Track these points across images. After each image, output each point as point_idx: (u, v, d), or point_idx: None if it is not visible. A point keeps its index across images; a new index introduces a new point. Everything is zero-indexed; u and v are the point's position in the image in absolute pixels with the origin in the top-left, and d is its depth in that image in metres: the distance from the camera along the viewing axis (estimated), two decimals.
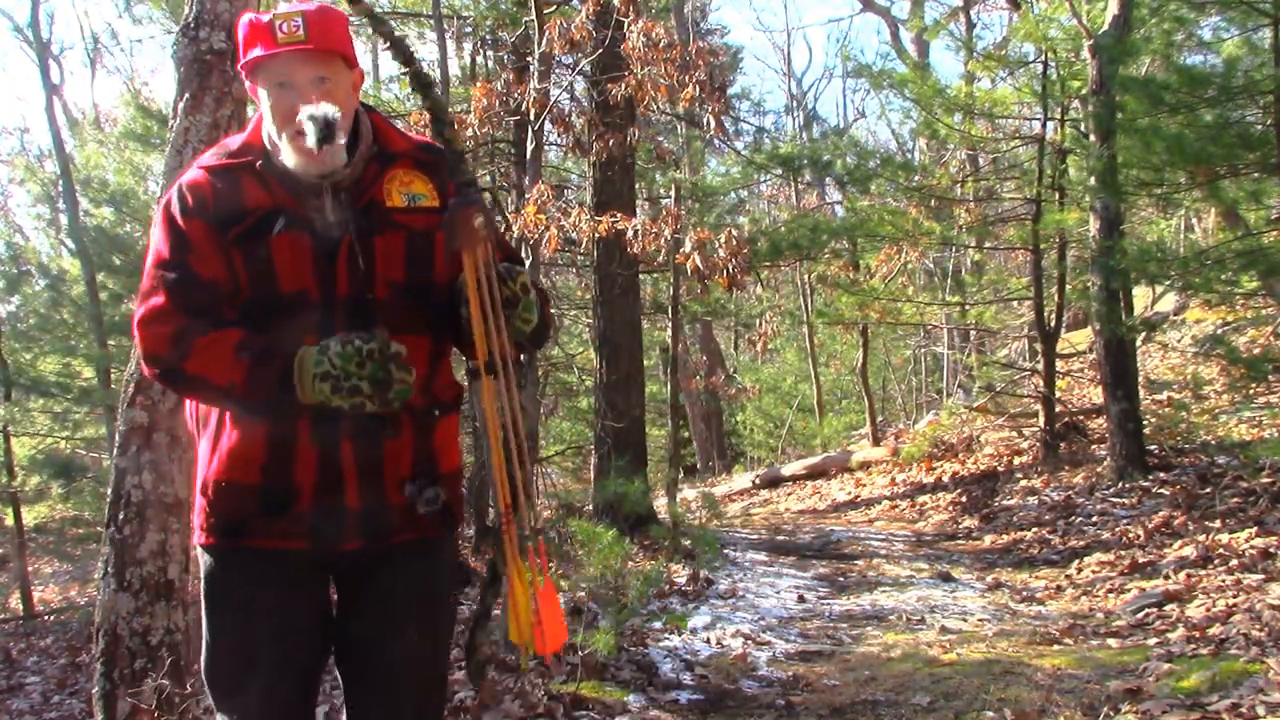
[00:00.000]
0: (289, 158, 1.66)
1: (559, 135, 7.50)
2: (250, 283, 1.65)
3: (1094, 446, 8.64)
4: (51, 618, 8.70)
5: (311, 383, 1.60)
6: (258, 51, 1.65)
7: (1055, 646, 4.23)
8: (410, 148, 1.80)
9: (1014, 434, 10.19)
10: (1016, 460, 9.37)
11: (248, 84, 1.75)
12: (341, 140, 1.66)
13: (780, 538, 8.49)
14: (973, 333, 14.02)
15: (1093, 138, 7.37)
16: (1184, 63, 7.00)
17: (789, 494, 12.12)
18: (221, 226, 1.67)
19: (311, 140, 1.59)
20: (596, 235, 5.98)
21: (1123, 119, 6.86)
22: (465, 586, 1.77)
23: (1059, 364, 9.92)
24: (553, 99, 6.70)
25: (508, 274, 1.72)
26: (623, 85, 6.07)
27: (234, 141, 1.78)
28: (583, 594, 4.97)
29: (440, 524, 1.78)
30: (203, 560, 1.76)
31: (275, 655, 1.71)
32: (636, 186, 10.87)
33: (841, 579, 6.38)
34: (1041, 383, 9.12)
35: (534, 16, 6.34)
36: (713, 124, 6.75)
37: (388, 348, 1.62)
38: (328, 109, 1.60)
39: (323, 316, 1.68)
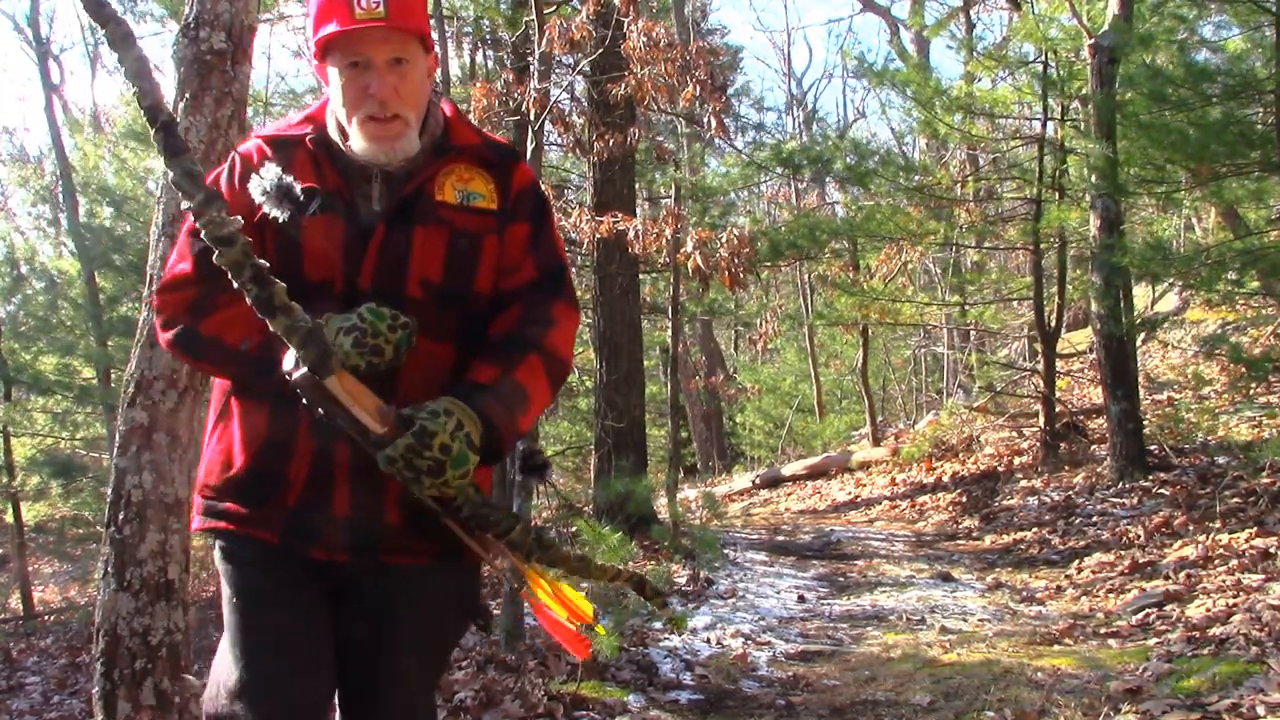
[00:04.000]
0: (358, 143, 1.57)
1: (559, 135, 7.49)
2: (276, 263, 1.46)
3: (1094, 446, 8.64)
4: (51, 618, 8.69)
5: (335, 335, 1.48)
6: (332, 27, 1.52)
7: (1055, 646, 4.22)
8: (477, 143, 1.68)
9: (1014, 434, 10.19)
10: (1016, 460, 9.37)
11: (313, 62, 1.63)
12: (413, 128, 1.58)
13: (780, 538, 8.48)
14: (973, 333, 14.02)
15: (1093, 137, 7.37)
16: (1188, 59, 6.99)
17: (789, 494, 12.12)
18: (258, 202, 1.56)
19: (272, 210, 1.46)
20: (597, 235, 5.98)
21: (1124, 117, 6.86)
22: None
23: (1059, 364, 9.92)
24: (553, 99, 6.69)
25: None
26: (623, 85, 6.07)
27: (297, 116, 1.70)
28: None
29: (442, 552, 1.60)
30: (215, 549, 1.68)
31: (285, 644, 1.59)
32: (636, 186, 10.86)
33: (841, 579, 6.38)
34: (1041, 383, 9.12)
35: (534, 16, 6.33)
36: (713, 123, 6.75)
37: (418, 328, 1.54)
38: (278, 177, 1.48)
39: (344, 310, 1.54)
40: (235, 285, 1.41)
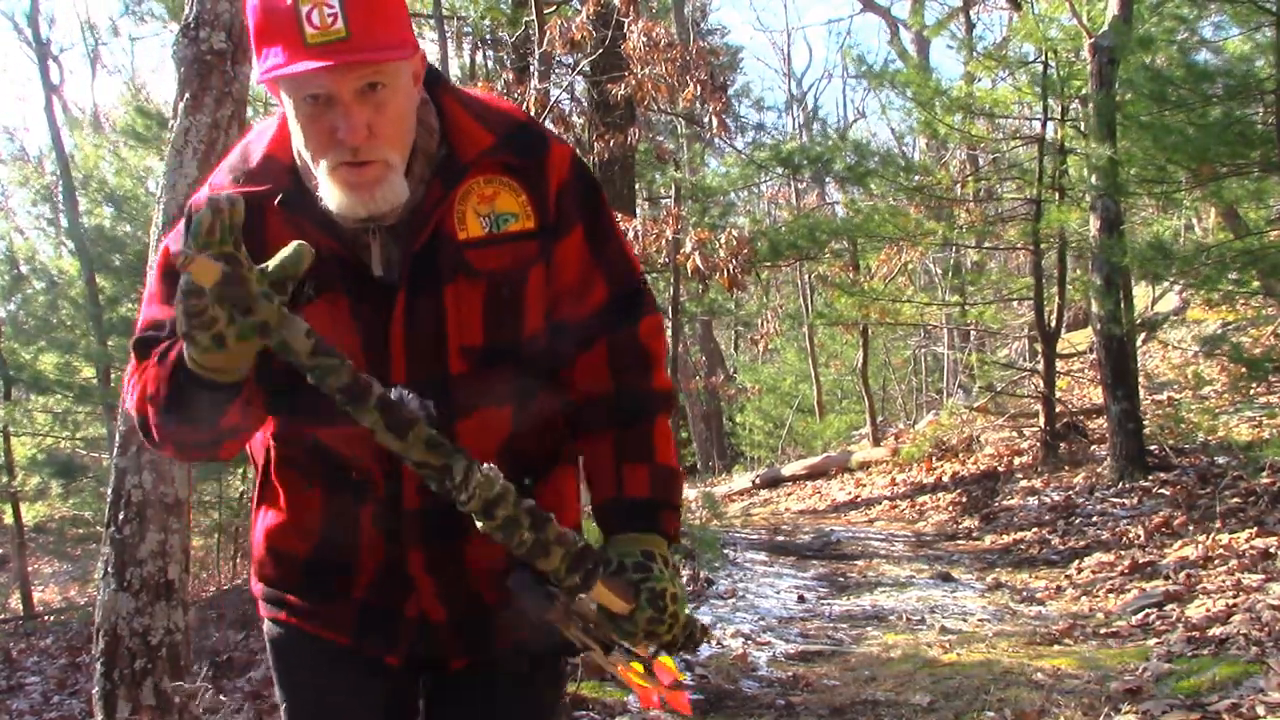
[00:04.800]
0: (329, 195, 1.17)
1: (559, 135, 7.50)
2: (277, 362, 1.11)
3: (1094, 446, 8.64)
4: (51, 618, 8.70)
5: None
6: (277, 59, 1.12)
7: (1055, 647, 4.23)
8: (492, 144, 1.26)
9: (1014, 434, 10.19)
10: (1016, 460, 9.37)
11: (263, 85, 1.22)
12: (398, 169, 1.19)
13: (780, 538, 8.48)
14: (973, 333, 14.02)
15: (1093, 137, 7.37)
16: (1188, 59, 7.00)
17: (789, 494, 12.12)
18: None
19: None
20: None
21: (1124, 117, 6.86)
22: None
23: (1059, 364, 9.92)
24: (553, 99, 6.70)
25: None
26: (623, 85, 6.07)
27: (256, 150, 1.28)
28: None
29: (539, 652, 1.40)
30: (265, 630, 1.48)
31: None
32: (636, 186, 10.87)
33: (841, 579, 6.38)
34: (1041, 383, 9.12)
35: (534, 16, 6.34)
36: (714, 123, 6.75)
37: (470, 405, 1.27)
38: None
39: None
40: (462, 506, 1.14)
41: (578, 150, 1.44)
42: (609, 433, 1.36)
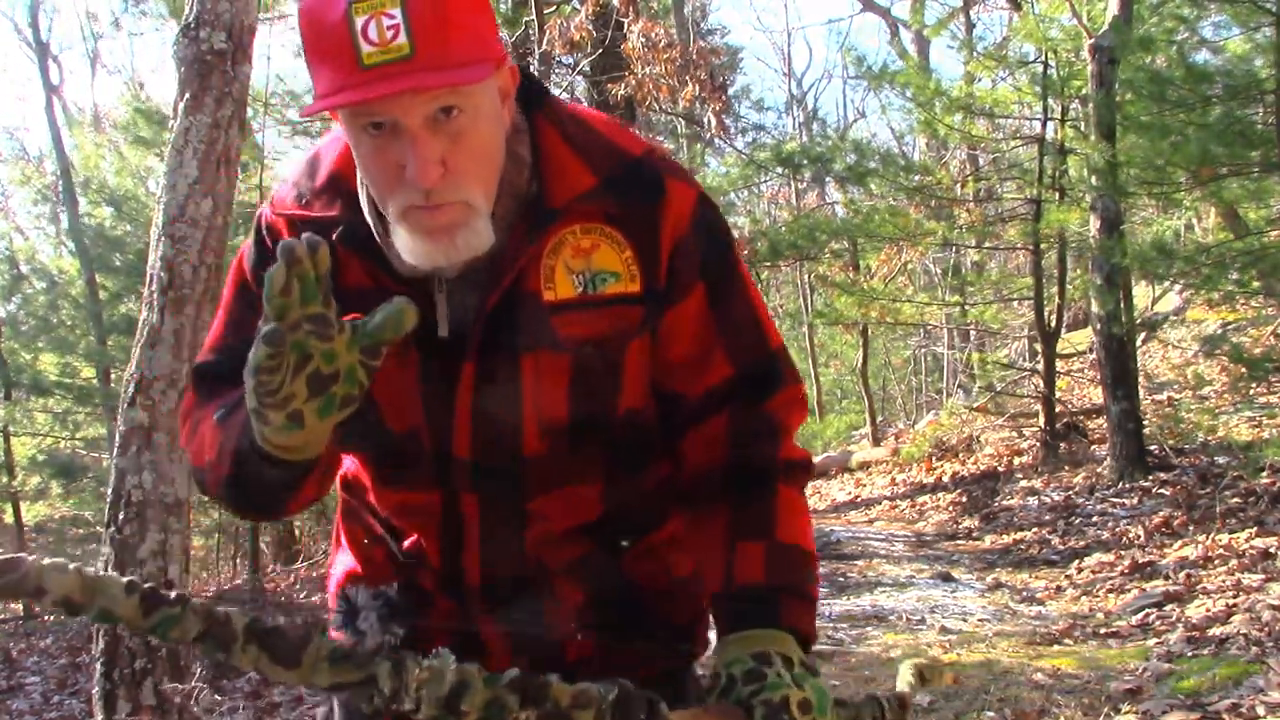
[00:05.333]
0: (402, 241, 0.98)
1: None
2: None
3: (1094, 446, 8.64)
4: (51, 618, 8.69)
5: None
6: (327, 85, 0.93)
7: (1055, 647, 4.23)
8: (593, 186, 1.03)
9: (1014, 434, 10.19)
10: (1016, 460, 9.37)
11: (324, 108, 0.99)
12: (483, 212, 0.98)
13: None
14: (973, 333, 14.03)
15: (1093, 137, 7.37)
16: (1188, 59, 7.00)
17: None
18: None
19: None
20: None
21: (1124, 117, 6.86)
22: None
23: (1059, 364, 9.92)
24: None
25: None
26: (623, 85, 6.07)
27: (324, 163, 1.09)
28: None
29: (677, 653, 1.21)
30: None
31: None
32: None
33: (841, 579, 6.38)
34: (1041, 383, 9.12)
35: (534, 16, 6.34)
36: (713, 123, 6.76)
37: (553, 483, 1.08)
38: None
39: (440, 479, 1.09)
40: None
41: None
42: (721, 508, 1.11)
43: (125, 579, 0.82)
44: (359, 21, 0.90)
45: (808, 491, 1.18)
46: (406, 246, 0.98)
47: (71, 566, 0.81)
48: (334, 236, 1.03)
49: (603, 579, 1.16)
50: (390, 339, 0.87)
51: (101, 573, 0.82)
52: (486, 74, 0.94)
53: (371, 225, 1.04)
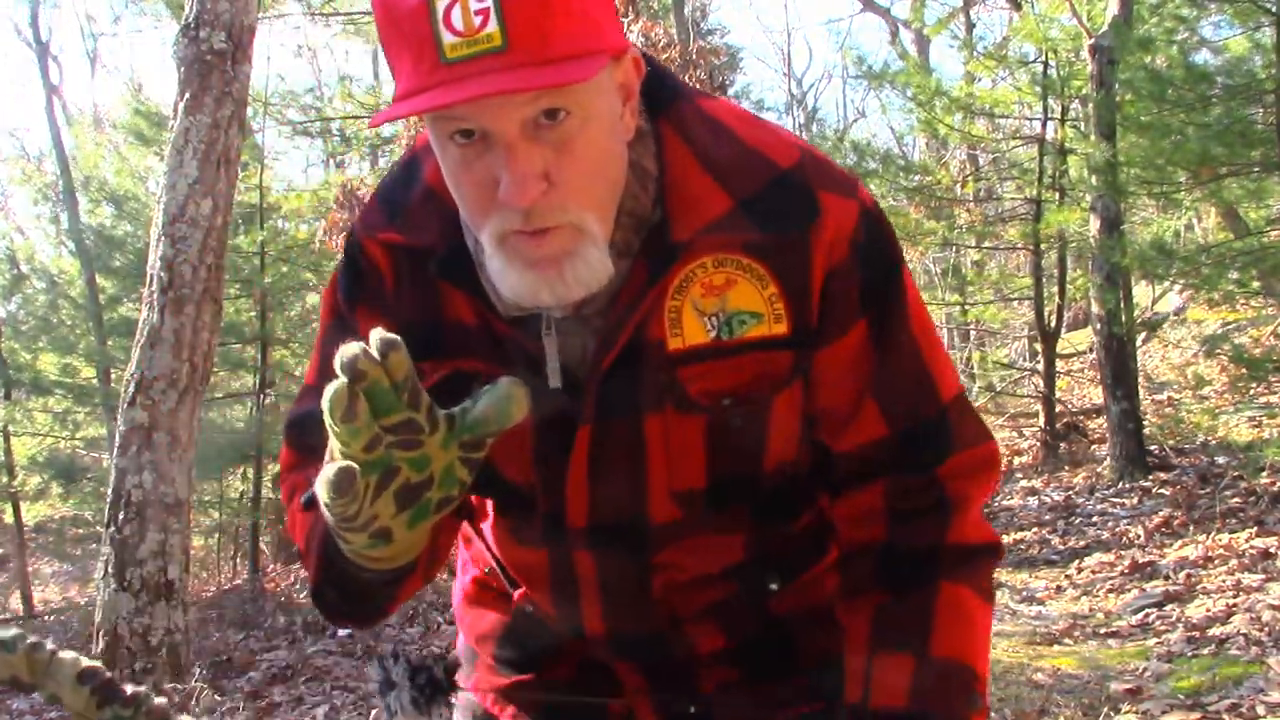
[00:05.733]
0: (499, 273, 0.81)
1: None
2: None
3: (1094, 446, 8.64)
4: (51, 618, 8.70)
5: None
6: (405, 84, 0.76)
7: (1055, 647, 4.23)
8: (727, 211, 0.85)
9: (1014, 434, 10.20)
10: (1016, 460, 9.38)
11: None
12: (598, 237, 0.80)
13: None
14: (973, 332, 14.04)
15: (1093, 137, 7.37)
16: (1188, 59, 7.01)
17: None
18: (411, 343, 0.77)
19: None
20: None
21: (1124, 117, 6.86)
22: None
23: (1059, 364, 9.92)
24: None
25: None
26: None
27: (417, 176, 0.91)
28: None
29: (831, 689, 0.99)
30: None
31: None
32: None
33: None
34: (1041, 383, 9.12)
35: None
36: None
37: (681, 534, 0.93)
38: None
39: (551, 539, 0.95)
40: None
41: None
42: (869, 602, 0.93)
43: (82, 665, 0.74)
44: (441, 6, 0.72)
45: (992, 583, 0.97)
46: (504, 280, 0.81)
47: (23, 644, 0.72)
48: (432, 266, 0.88)
49: (746, 622, 1.00)
50: (496, 431, 0.72)
51: (57, 652, 0.75)
52: (598, 69, 0.75)
53: (472, 252, 0.86)
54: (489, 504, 1.00)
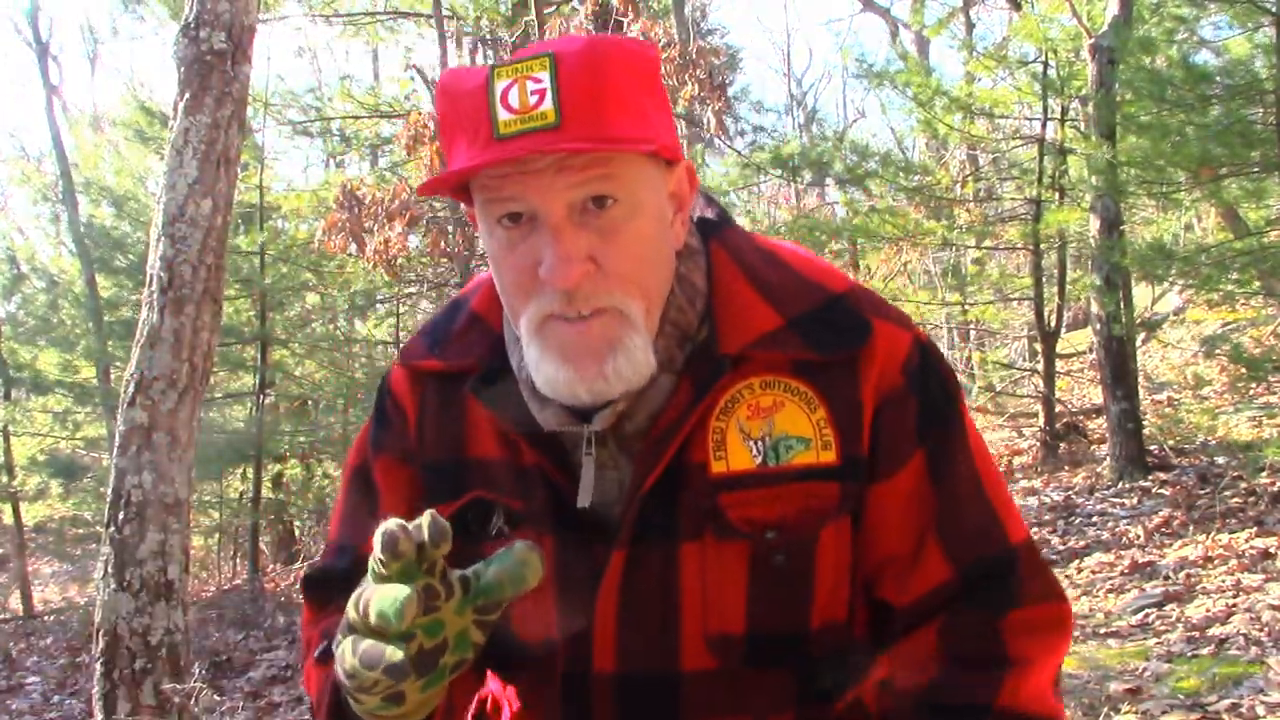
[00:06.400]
0: (536, 364, 0.80)
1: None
2: None
3: (1094, 446, 8.64)
4: (51, 618, 8.70)
5: None
6: (459, 158, 0.78)
7: None
8: (779, 328, 0.84)
9: (1014, 434, 10.19)
10: (1016, 460, 9.38)
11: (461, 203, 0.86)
12: (639, 330, 0.79)
13: None
14: (973, 332, 14.04)
15: (1093, 137, 7.37)
16: (1188, 60, 7.01)
17: None
18: (426, 482, 0.89)
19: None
20: None
21: (1124, 117, 6.87)
22: None
23: (1059, 364, 9.93)
24: None
25: None
26: None
27: (465, 302, 0.93)
28: None
29: None
30: None
31: None
32: None
33: None
34: (1041, 383, 9.12)
35: (534, 16, 6.34)
36: (713, 122, 6.76)
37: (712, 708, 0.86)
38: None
39: (571, 700, 0.87)
40: None
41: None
42: None
43: None
44: (500, 86, 0.74)
45: None
46: (540, 371, 0.79)
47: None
48: (466, 387, 0.87)
49: None
50: (510, 597, 0.70)
51: None
52: (649, 147, 0.77)
53: (514, 365, 0.85)
54: (507, 692, 0.94)
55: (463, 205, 0.86)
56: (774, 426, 0.82)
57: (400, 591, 0.65)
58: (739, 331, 0.83)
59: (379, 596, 0.67)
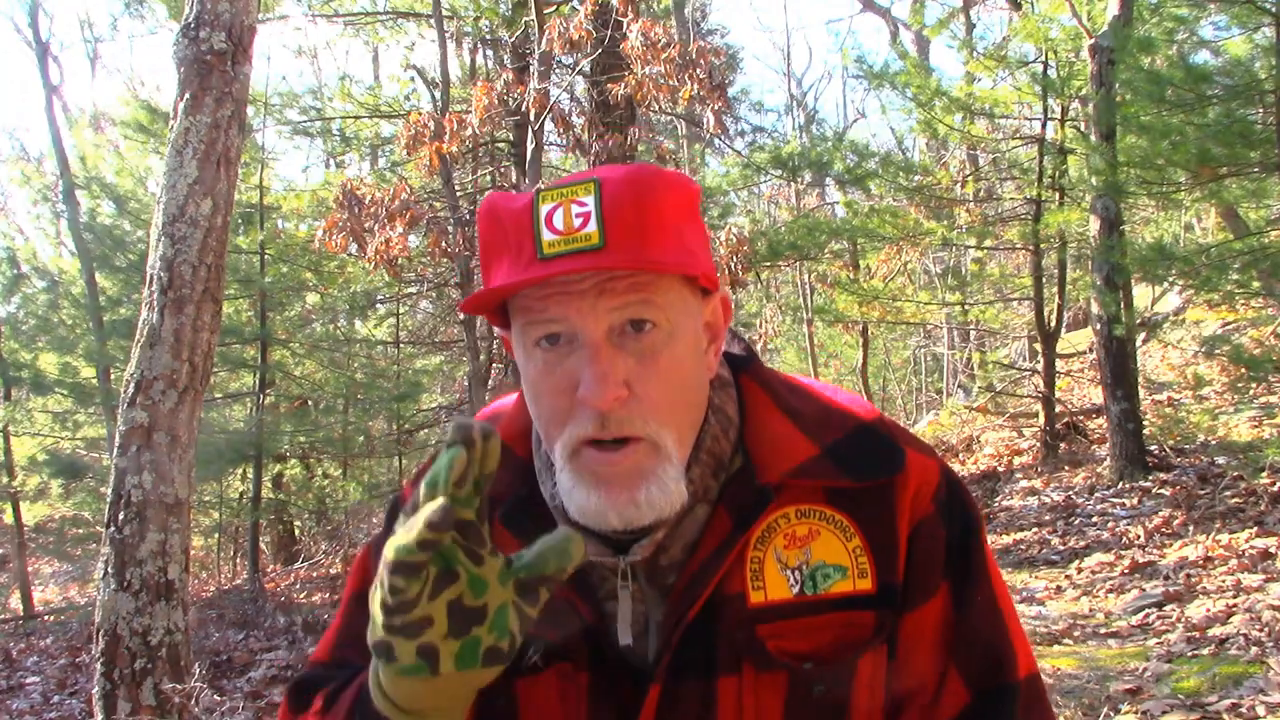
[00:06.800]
0: (568, 492, 0.80)
1: (559, 135, 7.50)
2: None
3: (1094, 446, 8.64)
4: (51, 618, 8.70)
5: None
6: (506, 271, 0.79)
7: (1055, 646, 4.23)
8: (813, 457, 0.85)
9: (1014, 434, 10.20)
10: (1016, 460, 9.38)
11: (497, 328, 0.87)
12: (672, 459, 0.79)
13: None
14: (973, 332, 14.05)
15: (1093, 137, 7.38)
16: (1187, 60, 7.01)
17: None
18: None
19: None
20: None
21: (1124, 117, 6.87)
22: None
23: (1059, 364, 9.93)
24: (553, 99, 6.70)
25: None
26: (622, 85, 6.08)
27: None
28: None
29: None
30: None
31: None
32: None
33: None
34: (1041, 383, 9.12)
35: (534, 16, 6.34)
36: (712, 122, 6.76)
37: None
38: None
39: None
40: None
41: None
42: None
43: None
44: (545, 209, 0.77)
45: None
46: (572, 498, 0.79)
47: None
48: (497, 516, 0.84)
49: None
50: (552, 575, 0.69)
51: None
52: (688, 270, 0.78)
53: (545, 494, 0.85)
54: None
55: (498, 330, 0.87)
56: (811, 555, 0.83)
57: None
58: (776, 460, 0.84)
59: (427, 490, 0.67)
